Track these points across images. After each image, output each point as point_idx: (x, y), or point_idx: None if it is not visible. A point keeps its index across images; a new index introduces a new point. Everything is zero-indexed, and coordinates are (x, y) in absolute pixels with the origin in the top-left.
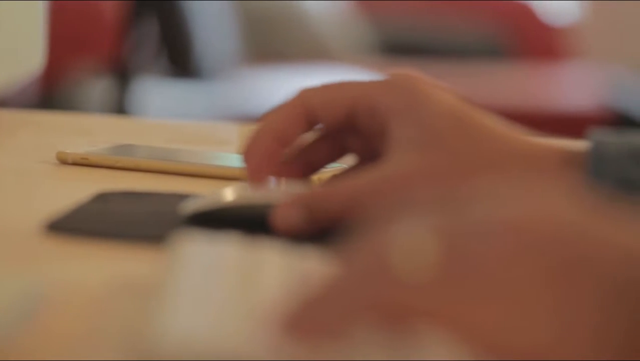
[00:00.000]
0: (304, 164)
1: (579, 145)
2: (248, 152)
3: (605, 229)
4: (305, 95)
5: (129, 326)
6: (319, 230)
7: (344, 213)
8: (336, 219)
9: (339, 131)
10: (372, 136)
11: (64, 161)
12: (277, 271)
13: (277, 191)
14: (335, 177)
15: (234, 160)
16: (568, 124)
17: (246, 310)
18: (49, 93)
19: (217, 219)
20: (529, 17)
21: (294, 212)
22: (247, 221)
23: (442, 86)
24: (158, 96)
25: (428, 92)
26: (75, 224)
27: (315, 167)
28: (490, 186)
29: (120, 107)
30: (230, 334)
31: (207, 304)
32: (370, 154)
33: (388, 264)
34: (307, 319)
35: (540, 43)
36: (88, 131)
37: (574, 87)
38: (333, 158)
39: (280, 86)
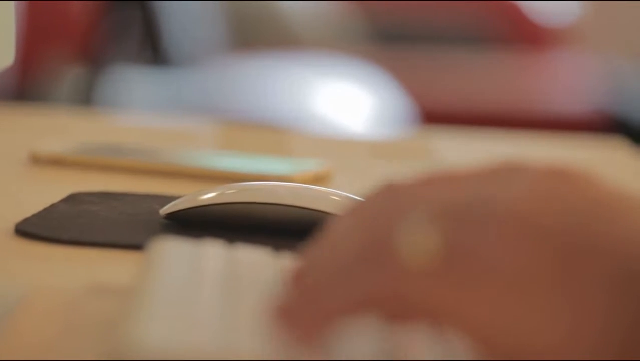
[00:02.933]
0: None
1: None
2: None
3: (616, 221)
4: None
5: (103, 329)
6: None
7: None
8: None
9: None
10: None
11: (37, 160)
12: (256, 275)
13: (262, 191)
14: None
15: (210, 159)
16: (557, 123)
17: (224, 313)
18: (22, 84)
19: (195, 220)
20: (520, 10)
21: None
22: (226, 221)
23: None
24: (134, 85)
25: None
26: (45, 230)
27: None
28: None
29: (95, 97)
30: (207, 336)
31: (184, 307)
32: None
33: (391, 252)
34: (304, 309)
35: (532, 38)
36: (62, 128)
37: (566, 82)
38: None
39: (260, 74)
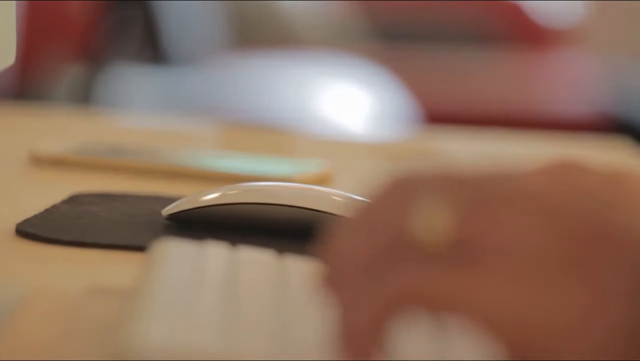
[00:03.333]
0: None
1: None
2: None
3: (628, 205)
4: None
5: (104, 331)
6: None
7: None
8: None
9: None
10: None
11: (38, 160)
12: (258, 276)
13: (265, 191)
14: None
15: (212, 160)
16: (560, 123)
17: (226, 314)
18: (22, 83)
19: (196, 221)
20: (523, 10)
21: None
22: (228, 222)
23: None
24: (134, 84)
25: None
26: (46, 231)
27: None
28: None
29: (95, 96)
30: (208, 337)
31: (186, 308)
32: None
33: (408, 243)
34: (354, 327)
35: (535, 38)
36: (62, 129)
37: (569, 82)
38: None
39: (261, 74)
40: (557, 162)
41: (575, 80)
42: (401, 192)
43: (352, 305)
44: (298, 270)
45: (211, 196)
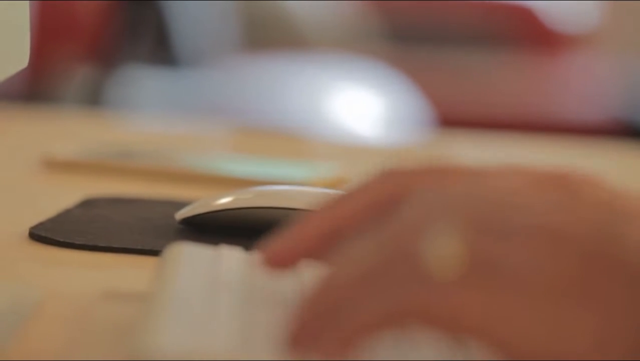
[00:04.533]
0: None
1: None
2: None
3: (634, 224)
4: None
5: (117, 335)
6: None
7: None
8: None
9: None
10: None
11: (50, 164)
12: (272, 281)
13: (277, 195)
14: None
15: (226, 164)
16: (572, 128)
17: (240, 319)
18: (33, 84)
19: (210, 225)
20: (536, 13)
21: None
22: (242, 226)
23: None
24: (145, 85)
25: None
26: (60, 235)
27: None
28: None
29: (105, 98)
30: (223, 342)
31: (200, 313)
32: None
33: (416, 265)
34: (327, 328)
35: (547, 42)
36: (75, 132)
37: (581, 86)
38: None
39: (272, 75)
40: (563, 176)
41: (588, 84)
42: (415, 210)
43: (342, 310)
44: (312, 275)
45: (225, 200)
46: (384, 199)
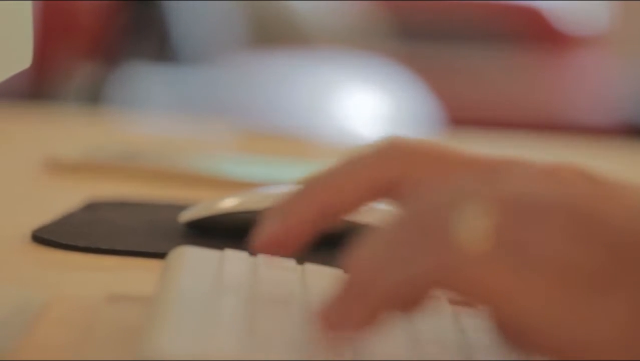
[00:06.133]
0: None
1: None
2: (279, 218)
3: None
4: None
5: (122, 338)
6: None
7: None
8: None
9: None
10: None
11: (53, 166)
12: (278, 284)
13: (277, 198)
14: None
15: (231, 166)
16: (581, 128)
17: (246, 323)
18: (35, 83)
19: (215, 227)
20: (546, 13)
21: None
22: (247, 229)
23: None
24: (148, 83)
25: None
26: (63, 237)
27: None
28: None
29: (108, 96)
30: (228, 345)
31: (206, 316)
32: None
33: (445, 237)
34: (354, 299)
35: (557, 42)
36: (78, 133)
37: (591, 87)
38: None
39: (278, 73)
40: (571, 169)
41: (597, 85)
42: (443, 193)
43: (375, 277)
44: (319, 278)
45: (230, 203)
46: (383, 184)
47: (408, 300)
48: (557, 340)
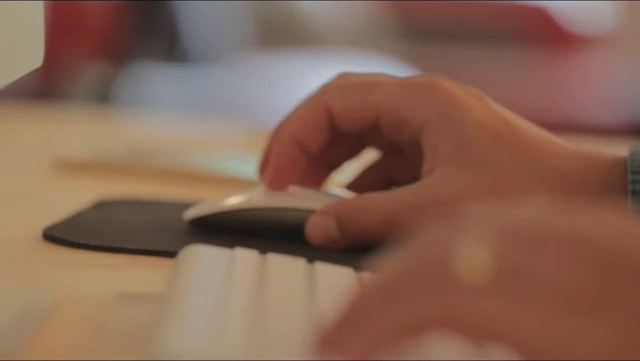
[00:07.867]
0: (323, 165)
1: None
2: (267, 159)
3: None
4: (327, 97)
5: (133, 336)
6: (350, 246)
7: (380, 227)
8: (368, 234)
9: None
10: (398, 141)
11: (63, 165)
12: (286, 283)
13: (287, 196)
14: (369, 188)
15: (237, 164)
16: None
17: (255, 322)
18: (44, 82)
19: (221, 225)
20: (553, 13)
21: (323, 220)
22: (253, 226)
23: (472, 91)
24: (156, 82)
25: (461, 100)
26: (73, 236)
27: (334, 166)
28: (540, 205)
29: (116, 95)
30: (238, 344)
31: (216, 315)
32: (393, 150)
33: (445, 265)
34: (353, 335)
35: (564, 42)
36: (87, 132)
37: (598, 88)
38: (352, 155)
39: (286, 73)
40: (426, 79)
41: (603, 85)
42: (442, 223)
43: (376, 313)
44: (327, 277)
45: (235, 200)
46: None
47: (407, 340)
48: (539, 356)
